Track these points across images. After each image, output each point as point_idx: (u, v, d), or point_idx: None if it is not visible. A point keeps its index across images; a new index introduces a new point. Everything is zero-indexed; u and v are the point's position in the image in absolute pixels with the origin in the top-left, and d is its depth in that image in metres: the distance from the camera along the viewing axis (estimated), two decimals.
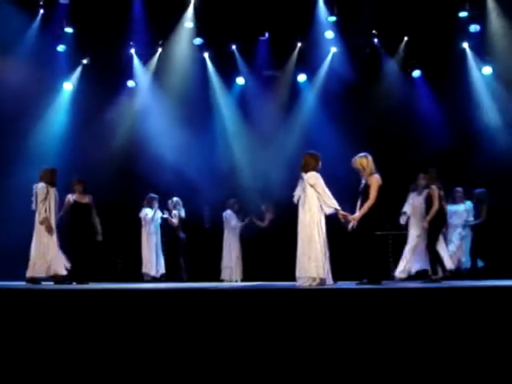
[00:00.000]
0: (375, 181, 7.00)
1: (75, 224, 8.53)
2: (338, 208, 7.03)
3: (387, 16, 10.44)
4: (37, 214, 8.30)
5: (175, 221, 10.22)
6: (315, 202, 7.00)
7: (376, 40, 11.06)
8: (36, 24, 10.76)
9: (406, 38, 10.95)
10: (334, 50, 11.28)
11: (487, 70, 10.76)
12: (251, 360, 4.66)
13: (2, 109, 10.12)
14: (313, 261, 6.82)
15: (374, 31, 10.96)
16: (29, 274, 8.22)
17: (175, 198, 10.37)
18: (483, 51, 10.65)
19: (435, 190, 8.04)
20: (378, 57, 11.24)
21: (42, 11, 10.81)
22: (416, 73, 11.22)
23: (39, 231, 8.29)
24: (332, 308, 4.92)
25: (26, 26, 10.61)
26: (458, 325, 4.62)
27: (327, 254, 6.99)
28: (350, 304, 4.96)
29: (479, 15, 10.33)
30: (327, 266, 6.95)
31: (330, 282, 6.95)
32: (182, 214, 10.33)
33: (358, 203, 7.13)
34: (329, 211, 7.06)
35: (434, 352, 4.51)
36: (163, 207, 10.41)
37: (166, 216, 10.28)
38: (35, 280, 8.19)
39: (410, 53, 11.07)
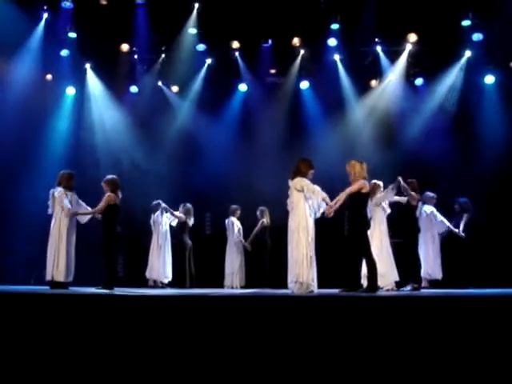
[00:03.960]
0: (357, 185, 7.09)
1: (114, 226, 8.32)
2: (329, 201, 7.12)
3: (390, 24, 10.45)
4: (53, 220, 8.24)
5: (181, 215, 10.15)
6: (301, 206, 7.07)
7: (379, 48, 11.07)
8: (40, 29, 10.73)
9: (409, 46, 10.94)
10: (337, 57, 11.31)
11: (490, 78, 10.78)
12: (244, 368, 4.70)
13: (5, 113, 10.14)
14: (300, 265, 6.89)
15: (376, 39, 10.98)
16: (57, 278, 8.14)
17: (189, 205, 10.30)
18: (486, 60, 10.68)
19: (414, 196, 8.39)
20: (380, 64, 11.26)
21: (45, 16, 10.76)
22: (419, 81, 11.25)
23: (56, 235, 8.20)
24: (319, 315, 4.98)
25: (29, 30, 10.59)
26: (438, 333, 4.68)
27: (314, 260, 7.05)
28: (338, 311, 5.03)
29: (482, 24, 10.34)
30: (313, 271, 7.00)
31: (315, 288, 7.01)
32: (191, 223, 10.29)
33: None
34: (320, 212, 7.15)
35: (417, 360, 4.56)
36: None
37: (178, 214, 10.14)
38: (62, 284, 8.13)
39: (413, 61, 11.09)
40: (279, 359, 4.68)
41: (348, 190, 7.12)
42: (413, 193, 8.41)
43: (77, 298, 5.87)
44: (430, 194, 9.37)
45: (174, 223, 10.26)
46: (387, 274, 8.19)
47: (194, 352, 4.83)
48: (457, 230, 9.45)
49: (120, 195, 8.30)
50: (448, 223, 9.43)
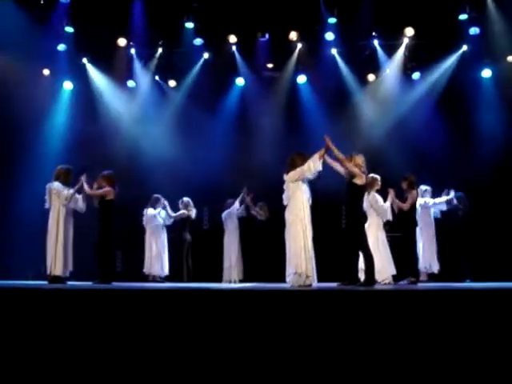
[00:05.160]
0: (356, 170, 7.12)
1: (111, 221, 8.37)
2: (320, 152, 7.13)
3: (387, 18, 10.46)
4: (50, 214, 8.30)
5: (182, 211, 10.22)
6: (298, 198, 7.10)
7: (376, 42, 11.07)
8: (36, 23, 10.71)
9: (406, 40, 10.93)
10: (334, 51, 11.31)
11: (486, 72, 10.80)
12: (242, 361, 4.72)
13: (2, 108, 10.13)
14: (298, 257, 6.93)
15: (373, 33, 10.97)
16: (55, 272, 8.19)
17: (186, 198, 10.36)
18: (483, 54, 10.69)
19: (414, 194, 8.44)
20: (377, 58, 11.26)
21: (42, 10, 10.73)
22: (416, 75, 11.25)
23: (53, 230, 8.27)
24: (318, 309, 5.02)
25: (26, 25, 10.53)
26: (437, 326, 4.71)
27: (312, 253, 7.09)
28: (336, 305, 5.06)
29: (479, 18, 10.35)
30: (312, 263, 7.04)
31: (314, 281, 7.04)
32: (193, 214, 10.35)
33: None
34: (319, 165, 7.12)
35: (415, 353, 4.59)
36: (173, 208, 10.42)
37: (174, 214, 10.25)
38: (61, 279, 8.18)
39: (410, 55, 11.09)
40: (278, 353, 4.71)
41: (347, 163, 7.10)
42: (413, 191, 8.47)
43: (74, 293, 5.88)
44: (424, 187, 9.40)
45: (169, 222, 10.31)
46: (384, 268, 8.23)
47: (192, 346, 4.86)
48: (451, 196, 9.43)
49: (117, 190, 8.34)
50: (443, 198, 9.42)
